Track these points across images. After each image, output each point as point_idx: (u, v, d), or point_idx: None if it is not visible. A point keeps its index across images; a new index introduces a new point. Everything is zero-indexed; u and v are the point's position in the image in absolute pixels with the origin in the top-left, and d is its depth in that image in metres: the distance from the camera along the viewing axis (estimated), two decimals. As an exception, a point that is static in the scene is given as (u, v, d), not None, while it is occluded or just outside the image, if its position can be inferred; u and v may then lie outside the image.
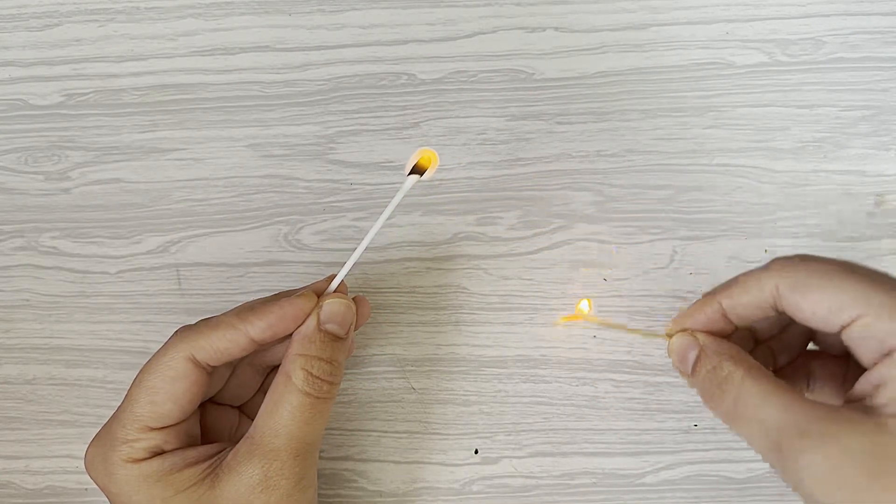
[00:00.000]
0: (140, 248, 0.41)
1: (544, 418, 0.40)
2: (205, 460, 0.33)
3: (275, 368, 0.37)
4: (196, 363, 0.33)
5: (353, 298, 0.35)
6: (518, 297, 0.41)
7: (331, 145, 0.41)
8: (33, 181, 0.42)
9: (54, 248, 0.42)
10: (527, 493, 0.40)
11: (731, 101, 0.41)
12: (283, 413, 0.32)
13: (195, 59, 0.42)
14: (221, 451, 0.33)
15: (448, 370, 0.41)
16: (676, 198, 0.41)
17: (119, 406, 0.34)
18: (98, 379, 0.41)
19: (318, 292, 0.34)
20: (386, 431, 0.41)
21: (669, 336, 0.33)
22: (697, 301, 0.33)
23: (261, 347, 0.34)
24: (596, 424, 0.40)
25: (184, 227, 0.41)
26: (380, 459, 0.41)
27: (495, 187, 0.41)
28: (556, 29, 0.41)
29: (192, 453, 0.33)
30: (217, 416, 0.37)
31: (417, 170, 0.34)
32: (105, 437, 0.33)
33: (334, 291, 0.34)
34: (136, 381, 0.33)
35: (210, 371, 0.34)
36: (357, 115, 0.41)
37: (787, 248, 0.40)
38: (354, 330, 0.35)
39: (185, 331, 0.33)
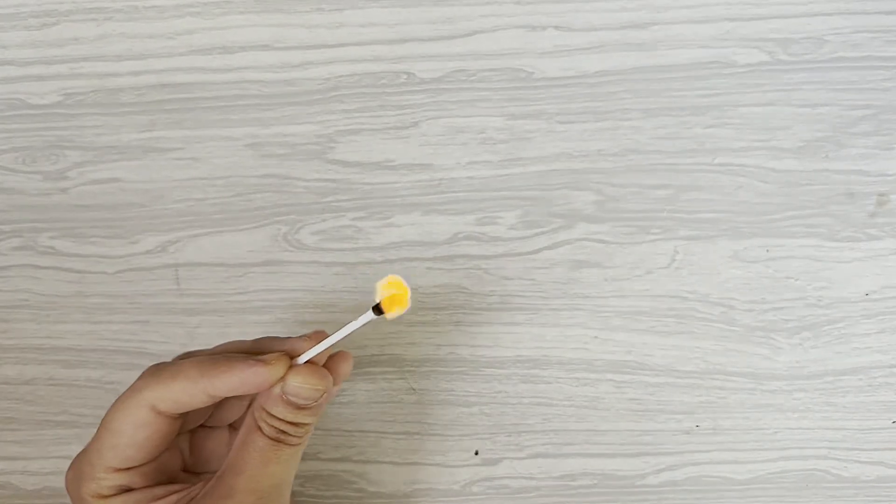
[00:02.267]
0: (138, 248, 0.41)
1: (544, 419, 0.40)
2: (173, 495, 0.33)
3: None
4: (159, 412, 0.32)
5: (335, 355, 0.34)
6: (518, 297, 0.40)
7: (330, 145, 0.41)
8: (31, 181, 0.42)
9: (52, 247, 0.41)
10: (527, 495, 0.40)
11: (733, 101, 0.41)
12: (248, 453, 0.32)
13: (194, 58, 0.42)
14: (191, 488, 0.33)
15: (448, 370, 0.41)
16: (677, 197, 0.41)
17: (91, 439, 0.33)
18: (96, 379, 0.41)
19: (293, 354, 0.33)
20: (385, 432, 0.41)
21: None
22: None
23: (221, 404, 0.34)
24: (596, 425, 0.40)
25: (182, 227, 0.41)
26: (379, 460, 0.41)
27: (495, 187, 0.41)
28: (557, 28, 0.41)
29: (163, 490, 0.33)
30: (208, 439, 0.36)
31: (381, 307, 0.32)
32: (77, 468, 0.33)
33: (307, 361, 0.33)
34: (103, 422, 0.33)
35: (176, 417, 0.33)
36: (356, 115, 0.41)
37: (788, 248, 0.40)
38: (330, 394, 0.34)
39: (149, 376, 0.33)
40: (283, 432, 0.32)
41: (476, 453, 0.40)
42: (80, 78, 0.42)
